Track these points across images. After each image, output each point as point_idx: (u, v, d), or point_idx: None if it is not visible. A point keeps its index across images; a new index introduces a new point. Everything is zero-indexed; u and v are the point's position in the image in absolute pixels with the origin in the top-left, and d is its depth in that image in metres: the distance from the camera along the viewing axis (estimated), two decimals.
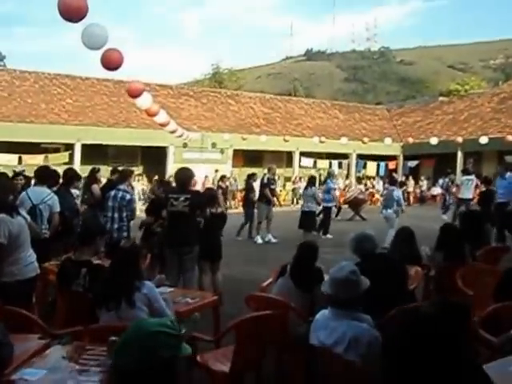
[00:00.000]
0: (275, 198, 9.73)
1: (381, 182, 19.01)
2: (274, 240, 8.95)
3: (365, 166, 20.46)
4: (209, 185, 13.64)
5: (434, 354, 1.17)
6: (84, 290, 2.97)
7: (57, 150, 16.10)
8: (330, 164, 19.09)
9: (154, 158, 17.32)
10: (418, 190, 19.43)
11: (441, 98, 26.87)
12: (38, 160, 13.68)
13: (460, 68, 74.98)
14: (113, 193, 4.75)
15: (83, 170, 8.71)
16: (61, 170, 5.44)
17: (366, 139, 19.38)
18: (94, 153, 15.22)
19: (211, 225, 4.58)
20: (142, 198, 14.51)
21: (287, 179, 19.82)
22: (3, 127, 14.13)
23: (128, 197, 4.72)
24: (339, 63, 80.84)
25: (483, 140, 16.21)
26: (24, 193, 4.27)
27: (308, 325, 2.32)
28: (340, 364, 1.98)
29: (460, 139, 17.51)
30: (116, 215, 4.66)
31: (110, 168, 7.15)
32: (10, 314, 2.54)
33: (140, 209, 9.41)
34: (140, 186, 13.90)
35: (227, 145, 17.95)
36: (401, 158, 21.44)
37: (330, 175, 10.32)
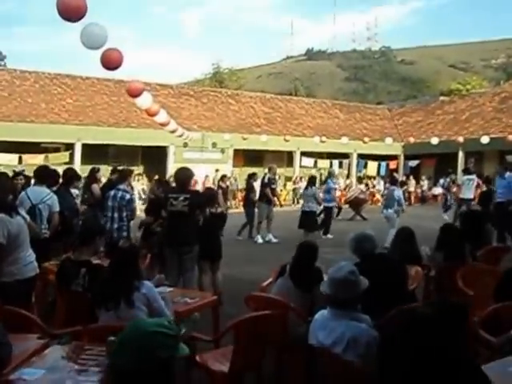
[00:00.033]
0: (276, 198, 9.73)
1: (382, 182, 18.99)
2: (274, 240, 8.95)
3: (365, 166, 20.44)
4: (209, 185, 13.63)
5: (431, 354, 1.16)
6: (83, 290, 2.96)
7: (57, 150, 16.11)
8: (331, 164, 19.07)
9: (154, 157, 17.32)
10: (418, 190, 19.40)
11: (442, 98, 26.82)
12: (38, 160, 13.68)
13: (461, 67, 74.88)
14: (112, 192, 4.75)
15: (83, 170, 8.72)
16: (61, 170, 5.44)
17: (366, 139, 19.35)
18: (94, 152, 15.22)
19: (211, 225, 4.57)
20: (142, 197, 14.52)
21: (288, 179, 19.81)
22: (3, 127, 14.14)
23: (128, 196, 4.71)
24: (340, 63, 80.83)
25: (484, 140, 16.19)
26: (23, 193, 4.26)
27: (307, 325, 2.31)
28: (339, 364, 1.98)
29: (461, 139, 17.48)
30: (116, 215, 4.66)
31: (111, 168, 7.16)
32: (10, 314, 2.53)
33: (140, 208, 9.41)
34: (140, 185, 13.91)
35: (228, 144, 17.94)
36: (402, 157, 21.41)
37: (331, 175, 10.32)
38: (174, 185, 4.83)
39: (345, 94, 55.32)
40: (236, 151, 18.60)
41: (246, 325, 2.57)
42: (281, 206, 11.77)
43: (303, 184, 14.07)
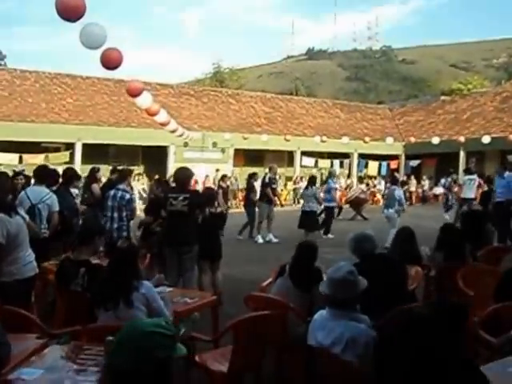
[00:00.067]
0: (276, 198, 9.72)
1: (382, 182, 18.96)
2: (274, 240, 8.94)
3: (366, 166, 20.42)
4: (209, 184, 13.62)
5: (428, 354, 1.15)
6: (83, 290, 2.96)
7: (57, 150, 16.12)
8: (332, 164, 19.06)
9: (154, 157, 17.33)
10: (419, 190, 19.37)
11: (443, 97, 26.79)
12: (38, 159, 13.68)
13: (462, 67, 74.85)
14: (112, 192, 4.74)
15: (84, 170, 8.72)
16: (61, 170, 5.44)
17: (367, 138, 19.33)
18: (94, 152, 15.23)
19: (211, 224, 4.57)
20: (143, 197, 14.51)
21: (288, 179, 19.80)
22: (4, 126, 14.16)
23: (127, 196, 4.71)
24: (341, 62, 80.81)
25: (486, 139, 16.16)
26: (23, 192, 4.26)
27: (307, 325, 2.30)
28: (337, 364, 1.98)
29: (462, 138, 17.46)
30: (115, 215, 4.66)
31: (111, 167, 7.14)
32: (9, 314, 2.53)
33: (140, 208, 9.42)
34: (140, 185, 13.91)
35: (228, 144, 17.94)
36: (403, 157, 21.39)
37: (331, 175, 10.31)
38: (173, 185, 4.81)
39: (345, 94, 55.35)
40: (236, 151, 18.60)
41: (245, 325, 2.56)
42: (281, 205, 11.77)
43: (304, 184, 14.06)
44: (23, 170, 7.01)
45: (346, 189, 16.20)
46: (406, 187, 15.21)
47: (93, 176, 6.03)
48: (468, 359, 1.29)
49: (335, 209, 10.42)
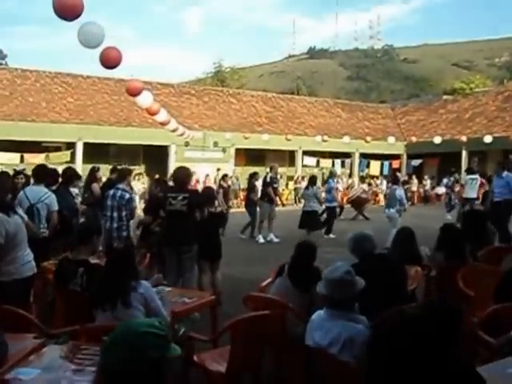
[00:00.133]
0: (278, 197, 9.71)
1: (384, 182, 18.92)
2: (275, 239, 8.93)
3: (368, 165, 20.39)
4: (210, 184, 13.61)
5: (419, 354, 1.14)
6: (81, 290, 2.96)
7: (58, 149, 16.16)
8: (333, 163, 19.04)
9: (155, 156, 17.34)
10: (421, 190, 19.32)
11: (445, 97, 26.73)
12: (39, 159, 13.69)
13: (464, 66, 74.68)
14: (112, 192, 4.73)
15: (85, 169, 8.72)
16: (62, 169, 5.43)
17: (368, 138, 19.30)
18: (95, 152, 15.25)
19: (210, 224, 4.56)
20: (146, 197, 14.47)
21: (290, 178, 19.79)
22: (5, 126, 14.19)
23: (127, 196, 4.70)
24: (342, 61, 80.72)
25: (488, 139, 16.11)
26: (22, 192, 4.26)
27: (306, 325, 2.29)
28: (334, 365, 1.97)
29: (464, 138, 17.41)
30: (115, 214, 4.65)
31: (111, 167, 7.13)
32: (7, 314, 2.53)
33: (141, 208, 9.41)
34: (141, 185, 13.90)
35: (229, 144, 17.94)
36: (404, 157, 21.36)
37: (332, 175, 10.30)
38: (171, 184, 4.80)
39: (347, 93, 55.32)
40: (237, 150, 18.60)
41: (244, 325, 2.55)
42: (283, 205, 11.76)
43: (305, 184, 14.04)
44: (24, 170, 7.00)
45: (347, 188, 16.17)
46: (407, 186, 15.18)
47: (93, 175, 6.03)
48: (464, 360, 1.28)
49: (337, 208, 10.40)
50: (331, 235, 9.28)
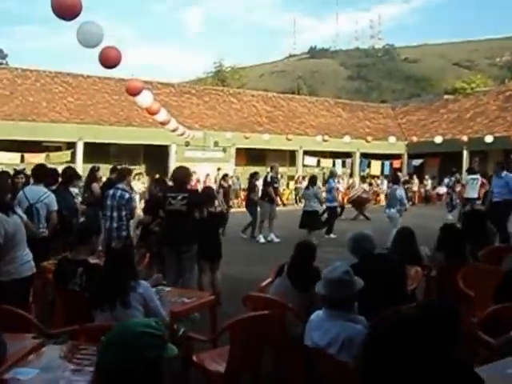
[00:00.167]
0: (278, 197, 9.70)
1: (385, 181, 18.90)
2: (276, 239, 8.92)
3: (369, 165, 20.38)
4: (210, 183, 13.60)
5: (415, 355, 1.13)
6: (81, 290, 2.95)
7: (58, 149, 16.16)
8: (334, 163, 19.03)
9: (156, 156, 17.34)
10: (422, 190, 19.29)
11: (446, 96, 26.71)
12: (39, 159, 13.69)
13: (466, 66, 74.59)
14: (111, 192, 4.73)
15: (85, 169, 8.72)
16: (62, 169, 5.43)
17: (369, 138, 19.27)
18: (96, 151, 15.25)
19: (210, 224, 4.55)
20: (146, 196, 14.45)
21: (290, 178, 19.78)
22: (5, 125, 14.19)
23: (127, 196, 4.69)
24: (343, 61, 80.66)
25: (489, 139, 16.07)
26: (21, 192, 4.25)
27: (305, 325, 2.29)
28: (333, 365, 1.96)
29: (465, 138, 17.38)
30: (115, 214, 4.64)
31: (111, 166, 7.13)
32: (6, 313, 2.53)
33: (141, 207, 9.40)
34: (141, 184, 13.91)
35: (230, 143, 17.93)
36: (405, 156, 21.33)
37: (332, 174, 10.30)
38: (171, 184, 4.79)
39: (348, 93, 55.28)
40: (238, 150, 18.59)
41: (243, 325, 2.55)
42: (284, 205, 11.74)
43: (305, 184, 14.01)
44: (23, 169, 7.01)
45: (348, 188, 16.15)
46: (407, 186, 15.14)
47: (93, 175, 6.03)
48: (462, 360, 1.27)
49: (337, 208, 10.39)
50: (332, 235, 9.26)
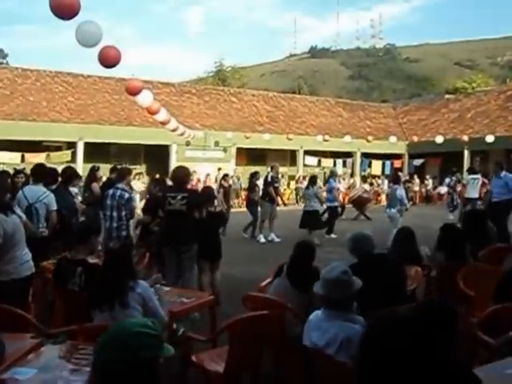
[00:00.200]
0: (279, 197, 9.70)
1: (386, 181, 18.88)
2: (276, 239, 8.92)
3: (370, 165, 20.35)
4: (210, 183, 13.60)
5: (411, 355, 1.13)
6: (80, 289, 2.95)
7: (59, 149, 16.17)
8: (335, 163, 19.01)
9: (156, 156, 17.35)
10: (423, 190, 19.26)
11: (447, 96, 26.67)
12: (40, 158, 13.69)
13: (467, 65, 74.47)
14: (111, 191, 4.72)
15: (86, 169, 8.72)
16: (62, 169, 5.43)
17: (370, 137, 19.25)
18: (96, 151, 15.26)
19: (210, 224, 4.55)
20: (147, 196, 14.44)
21: (291, 178, 19.77)
22: (5, 125, 14.20)
23: (126, 195, 4.69)
24: (344, 61, 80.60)
25: (490, 138, 16.04)
26: (20, 192, 4.26)
27: (304, 325, 2.28)
28: (331, 365, 1.96)
29: (466, 138, 17.34)
30: (115, 214, 4.64)
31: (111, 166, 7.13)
32: (5, 313, 2.53)
33: (141, 207, 9.40)
34: (141, 184, 13.91)
35: (230, 143, 17.93)
36: (406, 156, 21.30)
37: (333, 174, 10.29)
38: (170, 183, 4.78)
39: (348, 92, 55.25)
40: (239, 150, 18.58)
41: (242, 325, 2.54)
42: (284, 205, 11.73)
43: (306, 184, 13.99)
44: (23, 169, 7.01)
45: (348, 188, 16.14)
46: (408, 186, 15.12)
47: (93, 175, 6.03)
48: (460, 361, 1.26)
49: (338, 208, 10.38)
50: (332, 235, 9.26)
